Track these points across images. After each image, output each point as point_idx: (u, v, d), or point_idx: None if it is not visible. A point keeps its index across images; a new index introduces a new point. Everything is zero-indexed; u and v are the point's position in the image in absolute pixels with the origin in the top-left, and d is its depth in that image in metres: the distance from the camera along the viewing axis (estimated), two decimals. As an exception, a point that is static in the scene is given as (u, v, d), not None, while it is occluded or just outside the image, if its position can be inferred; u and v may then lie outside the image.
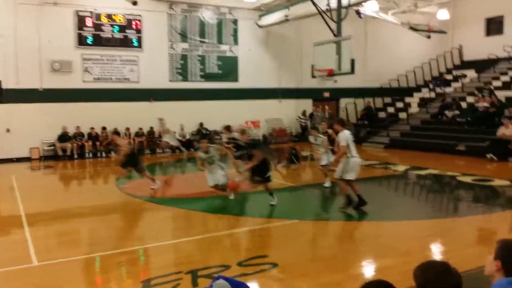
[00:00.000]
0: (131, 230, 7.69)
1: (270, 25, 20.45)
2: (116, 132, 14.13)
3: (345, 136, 8.21)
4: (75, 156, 17.25)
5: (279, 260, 5.79)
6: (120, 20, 18.42)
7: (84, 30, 17.83)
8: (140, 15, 18.70)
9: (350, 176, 8.15)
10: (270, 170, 8.80)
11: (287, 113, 21.64)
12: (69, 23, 17.59)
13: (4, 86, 16.36)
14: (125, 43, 18.58)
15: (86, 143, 17.54)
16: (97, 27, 18.04)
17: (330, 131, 12.88)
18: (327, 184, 10.56)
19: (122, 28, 18.49)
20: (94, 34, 17.99)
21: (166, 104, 19.07)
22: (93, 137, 17.80)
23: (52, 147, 17.23)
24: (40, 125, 16.91)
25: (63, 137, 17.32)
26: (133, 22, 18.68)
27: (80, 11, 17.71)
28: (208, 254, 6.30)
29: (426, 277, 2.14)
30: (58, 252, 6.46)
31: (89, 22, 17.89)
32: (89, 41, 17.93)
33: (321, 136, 10.92)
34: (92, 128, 17.86)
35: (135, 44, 18.78)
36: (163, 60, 19.43)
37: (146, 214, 9.04)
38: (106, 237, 7.22)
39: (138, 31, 18.80)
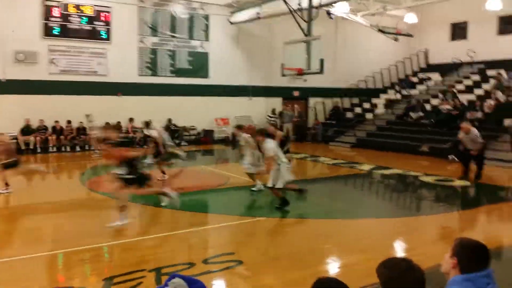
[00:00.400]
0: (95, 227, 7.53)
1: (241, 22, 20.43)
2: None
3: (270, 145, 8.28)
4: (38, 150, 16.76)
5: (245, 258, 5.82)
6: (88, 11, 17.99)
7: (50, 21, 17.32)
8: (109, 7, 18.32)
9: (282, 183, 8.25)
10: (138, 171, 7.53)
11: (257, 111, 21.67)
12: (35, 12, 17.03)
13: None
14: (94, 35, 18.15)
15: (50, 137, 17.07)
16: (65, 17, 17.54)
17: (279, 132, 12.81)
18: (258, 187, 10.03)
19: (90, 20, 18.04)
20: (61, 25, 17.49)
21: (134, 98, 18.78)
22: (57, 130, 17.35)
23: (14, 141, 16.64)
24: (2, 117, 16.30)
25: (26, 130, 16.79)
26: (102, 14, 18.27)
27: (47, 0, 17.20)
28: (174, 252, 6.27)
29: (391, 274, 2.20)
30: (19, 249, 6.29)
31: (56, 12, 17.37)
32: (56, 32, 17.41)
33: (244, 135, 10.12)
34: (57, 122, 17.39)
35: (104, 36, 18.36)
36: (132, 54, 19.10)
37: (111, 211, 8.88)
38: (69, 234, 7.05)
39: (107, 23, 18.40)
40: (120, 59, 18.57)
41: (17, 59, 16.59)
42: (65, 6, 17.48)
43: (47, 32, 17.25)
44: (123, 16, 18.68)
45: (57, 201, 9.43)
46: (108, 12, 18.34)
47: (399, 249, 6.57)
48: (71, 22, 17.67)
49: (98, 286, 4.98)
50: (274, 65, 20.15)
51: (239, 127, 10.68)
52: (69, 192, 10.18)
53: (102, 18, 18.27)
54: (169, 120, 19.45)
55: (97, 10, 18.12)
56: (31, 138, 16.69)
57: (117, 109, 18.13)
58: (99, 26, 18.24)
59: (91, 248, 6.27)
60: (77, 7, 17.73)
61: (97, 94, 17.98)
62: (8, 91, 16.48)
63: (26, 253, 6.03)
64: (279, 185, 8.25)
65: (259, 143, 8.70)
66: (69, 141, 17.39)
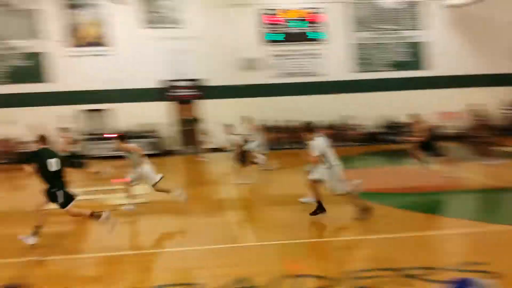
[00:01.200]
0: (327, 221, 7.62)
1: (458, 5, 18.44)
2: None
3: (316, 143, 7.08)
4: (275, 147, 17.98)
5: (502, 270, 4.99)
6: (302, 14, 18.89)
7: (268, 28, 18.80)
8: (320, 8, 18.89)
9: (342, 188, 7.11)
10: (61, 190, 6.48)
11: (486, 103, 19.21)
12: (254, 22, 18.75)
13: (205, 84, 18.45)
14: (308, 37, 18.96)
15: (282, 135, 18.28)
16: (280, 23, 18.83)
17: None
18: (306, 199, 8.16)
19: (304, 23, 18.93)
20: (278, 31, 18.85)
21: (349, 96, 18.85)
22: (289, 129, 18.33)
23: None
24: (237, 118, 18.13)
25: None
26: (314, 16, 18.98)
27: (264, 9, 18.70)
28: (412, 254, 5.80)
29: None
30: (255, 236, 6.91)
31: (272, 19, 18.79)
32: (274, 38, 18.85)
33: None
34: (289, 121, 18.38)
35: (318, 37, 19.04)
36: (346, 51, 19.27)
37: (345, 206, 8.87)
38: (305, 225, 7.35)
39: (320, 24, 18.98)
40: (334, 57, 18.98)
41: (244, 66, 18.54)
42: (280, 13, 18.73)
43: (266, 38, 18.73)
44: (334, 15, 19.00)
45: (289, 194, 9.91)
46: (320, 13, 18.91)
47: None
48: (287, 27, 18.88)
49: (338, 276, 4.97)
50: (501, 49, 17.73)
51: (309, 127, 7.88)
52: (294, 186, 10.59)
53: (315, 20, 18.97)
54: (388, 117, 18.88)
55: (310, 13, 18.88)
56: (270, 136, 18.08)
57: (335, 107, 18.49)
58: (313, 28, 18.98)
59: (324, 241, 6.53)
60: (291, 12, 18.80)
61: (315, 94, 18.66)
62: (241, 95, 18.45)
63: (263, 239, 6.55)
64: (339, 190, 7.09)
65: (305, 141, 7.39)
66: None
